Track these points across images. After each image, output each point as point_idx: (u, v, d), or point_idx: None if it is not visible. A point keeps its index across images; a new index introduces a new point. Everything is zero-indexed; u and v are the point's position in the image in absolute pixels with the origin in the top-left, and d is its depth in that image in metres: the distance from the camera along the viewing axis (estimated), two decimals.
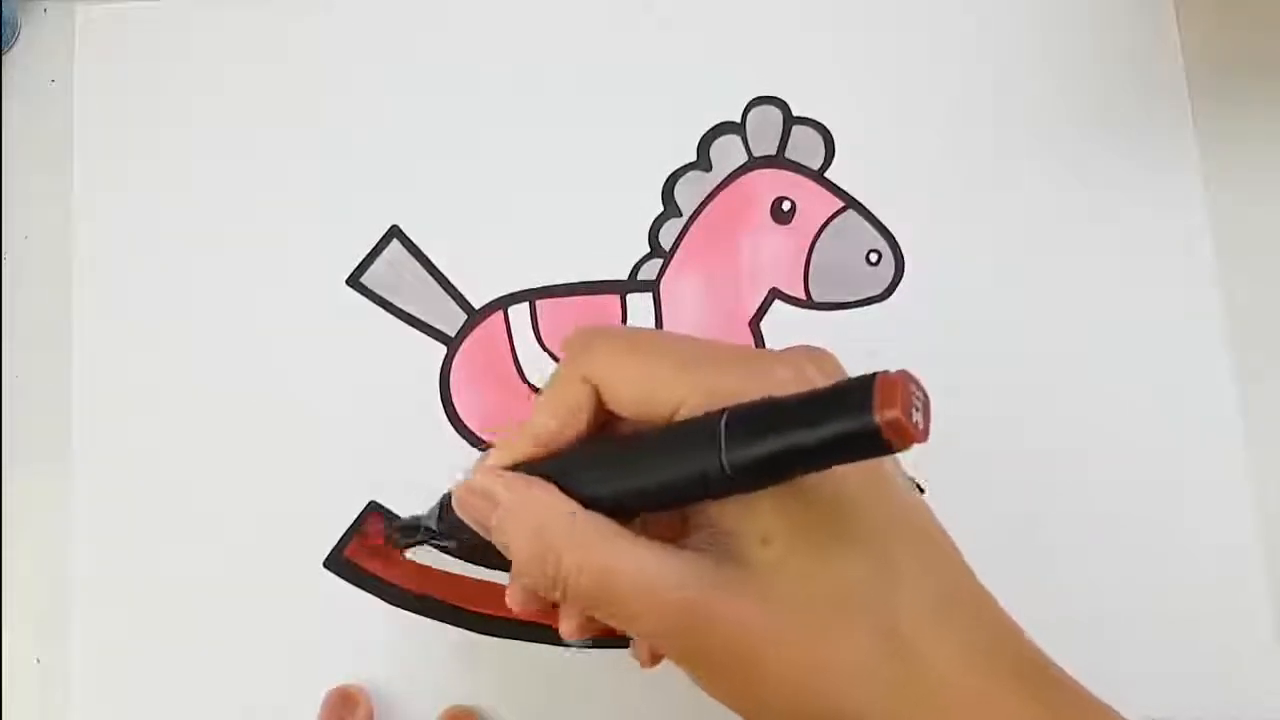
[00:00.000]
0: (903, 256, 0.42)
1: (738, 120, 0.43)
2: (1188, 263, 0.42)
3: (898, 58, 0.44)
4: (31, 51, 0.45)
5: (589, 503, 0.30)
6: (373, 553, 0.41)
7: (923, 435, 0.25)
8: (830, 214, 0.42)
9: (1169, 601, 0.40)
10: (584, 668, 0.40)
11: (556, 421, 0.31)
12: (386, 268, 0.42)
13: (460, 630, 0.40)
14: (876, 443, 0.25)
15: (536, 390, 0.42)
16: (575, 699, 0.40)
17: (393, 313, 0.42)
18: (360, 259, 0.43)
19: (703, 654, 0.29)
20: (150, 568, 0.41)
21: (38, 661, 0.41)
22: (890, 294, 0.42)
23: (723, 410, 0.27)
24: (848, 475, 0.28)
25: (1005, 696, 0.27)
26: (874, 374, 0.25)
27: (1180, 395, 0.41)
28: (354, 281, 0.42)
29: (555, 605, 0.32)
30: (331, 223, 0.43)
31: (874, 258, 0.42)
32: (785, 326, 0.42)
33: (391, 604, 0.40)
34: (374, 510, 0.41)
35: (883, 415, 0.24)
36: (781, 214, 0.42)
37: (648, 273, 0.42)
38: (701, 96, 0.43)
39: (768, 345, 0.42)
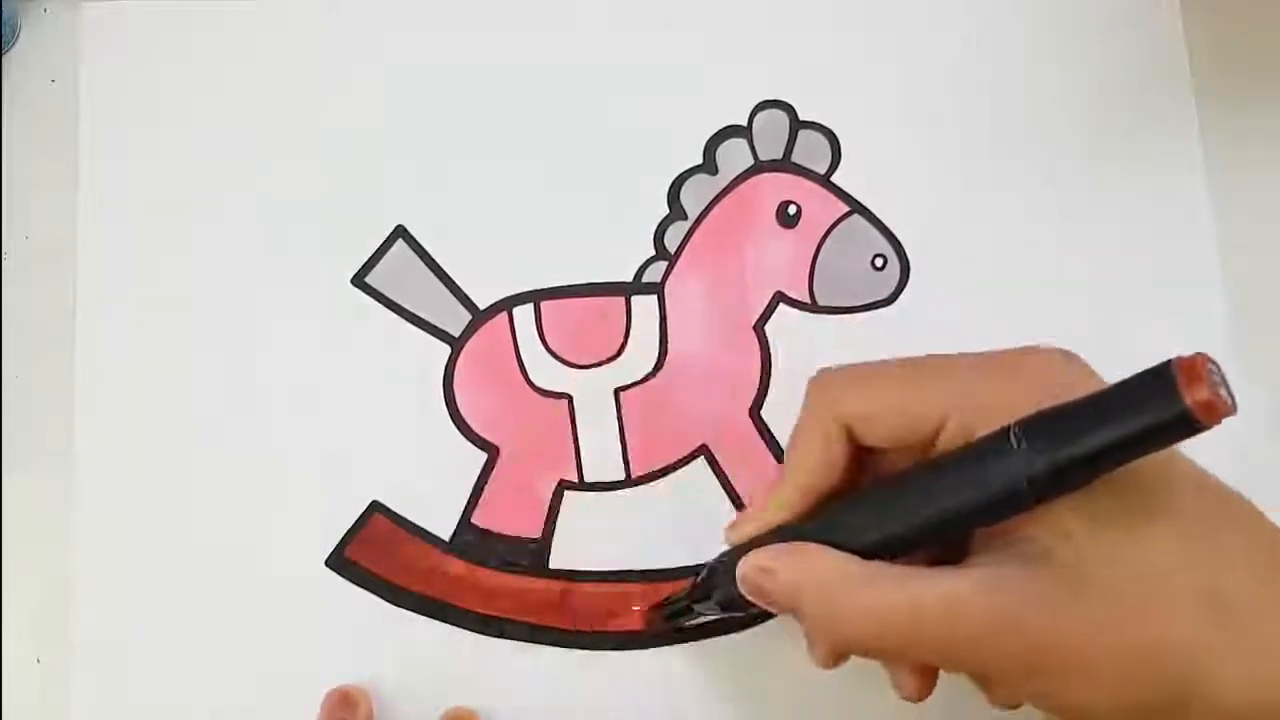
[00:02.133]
0: (908, 261, 0.42)
1: (744, 124, 0.43)
2: (1192, 264, 0.42)
3: (904, 62, 0.44)
4: (32, 51, 0.45)
5: (864, 552, 0.30)
6: (375, 552, 0.41)
7: (1231, 409, 0.25)
8: (836, 218, 0.42)
9: None
10: (584, 669, 0.40)
11: (816, 469, 0.31)
12: (391, 267, 0.42)
13: (461, 630, 0.40)
14: (1187, 426, 0.25)
15: (539, 391, 0.42)
16: (576, 700, 0.40)
17: (397, 312, 0.42)
18: (365, 258, 0.42)
19: (1021, 662, 0.28)
20: (151, 567, 0.41)
21: (38, 661, 0.41)
22: (895, 298, 0.42)
23: (1009, 426, 0.28)
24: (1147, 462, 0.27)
25: None
26: (1167, 361, 0.26)
27: None
28: (359, 281, 0.42)
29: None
30: (336, 222, 0.43)
31: (879, 262, 0.42)
32: (790, 330, 0.42)
33: (393, 604, 0.40)
34: (376, 509, 0.41)
35: (1194, 397, 0.25)
36: (787, 218, 0.43)
37: (652, 275, 0.42)
38: (708, 100, 0.43)
39: (772, 350, 0.42)
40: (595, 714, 0.40)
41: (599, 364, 0.42)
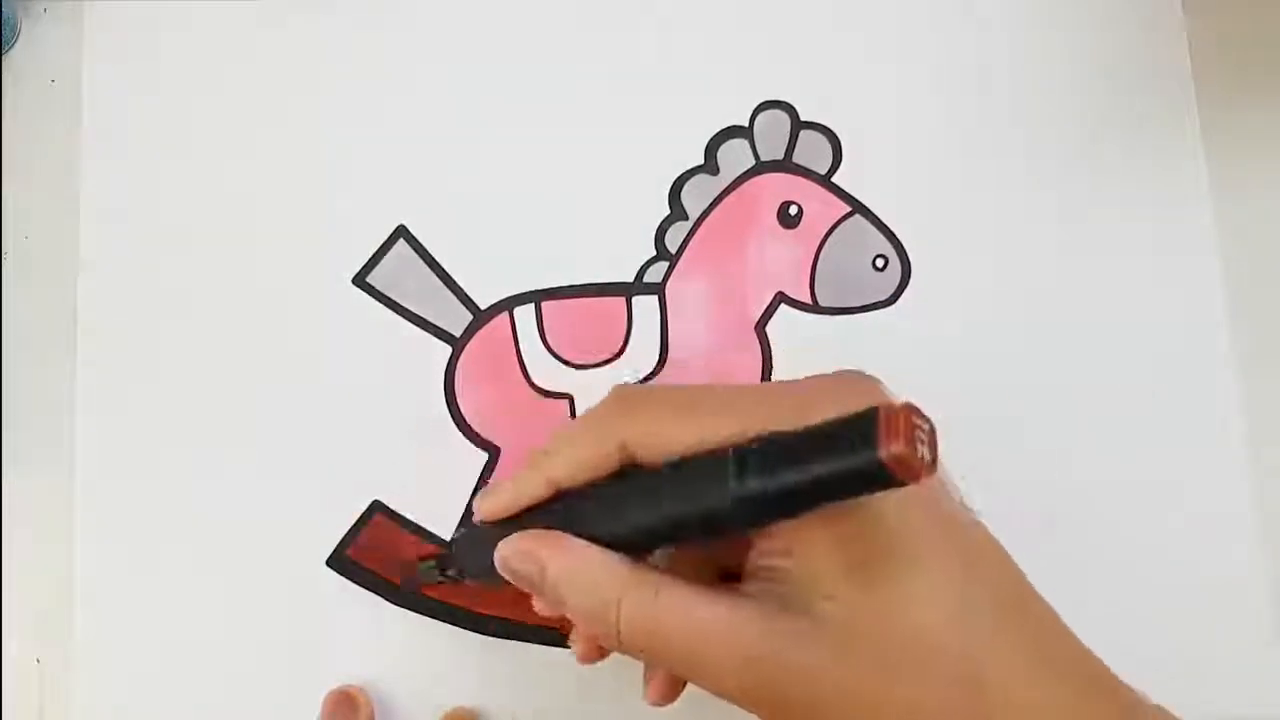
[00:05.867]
0: (909, 261, 0.42)
1: (745, 124, 0.43)
2: (1192, 263, 0.42)
3: (905, 62, 0.44)
4: (31, 51, 0.45)
5: (607, 544, 0.30)
6: (375, 552, 0.41)
7: (929, 469, 0.24)
8: (837, 219, 0.42)
9: (1169, 600, 0.40)
10: (584, 668, 0.40)
11: (577, 473, 0.31)
12: (392, 267, 0.42)
13: (462, 630, 0.40)
14: (882, 478, 0.24)
15: (540, 391, 0.42)
16: (575, 700, 0.40)
17: (398, 312, 0.42)
18: (366, 258, 0.42)
19: (767, 703, 0.28)
20: (151, 567, 0.41)
21: (38, 662, 0.41)
22: (896, 299, 0.42)
23: (730, 446, 0.27)
24: (901, 506, 0.27)
25: (1070, 708, 0.28)
26: (875, 407, 0.25)
27: (1183, 395, 0.42)
28: (360, 280, 0.42)
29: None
30: (338, 222, 0.43)
31: (880, 263, 0.42)
32: (791, 331, 0.42)
33: (394, 604, 0.40)
34: (377, 509, 0.41)
35: (887, 450, 0.24)
36: (788, 218, 0.43)
37: (653, 275, 0.42)
38: (709, 100, 0.43)
39: (773, 350, 0.42)
40: (595, 714, 0.40)
41: (600, 364, 0.42)
